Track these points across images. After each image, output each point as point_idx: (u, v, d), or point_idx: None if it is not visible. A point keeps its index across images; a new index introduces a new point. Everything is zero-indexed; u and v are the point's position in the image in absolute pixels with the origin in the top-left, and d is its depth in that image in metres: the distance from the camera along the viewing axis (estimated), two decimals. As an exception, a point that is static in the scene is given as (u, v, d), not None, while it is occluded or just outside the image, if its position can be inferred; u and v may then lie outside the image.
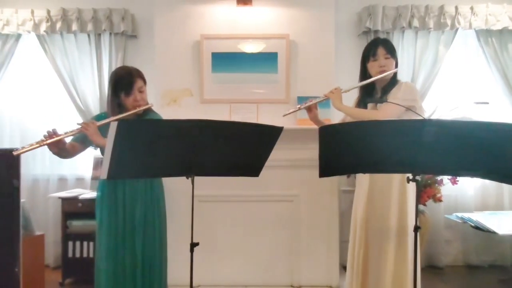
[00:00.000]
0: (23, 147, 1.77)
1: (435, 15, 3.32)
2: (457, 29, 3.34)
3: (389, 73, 1.99)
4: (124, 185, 1.98)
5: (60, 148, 1.90)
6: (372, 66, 2.02)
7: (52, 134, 1.82)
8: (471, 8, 3.30)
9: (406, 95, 1.92)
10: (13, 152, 1.76)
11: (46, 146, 1.83)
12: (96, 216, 2.04)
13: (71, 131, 1.88)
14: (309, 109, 2.09)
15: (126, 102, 1.98)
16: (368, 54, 2.04)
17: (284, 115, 2.11)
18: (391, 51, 2.01)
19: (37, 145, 1.76)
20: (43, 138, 1.81)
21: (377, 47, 2.01)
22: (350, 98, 2.21)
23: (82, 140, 2.01)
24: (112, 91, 2.00)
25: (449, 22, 3.30)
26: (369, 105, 2.05)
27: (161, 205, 2.09)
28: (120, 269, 1.96)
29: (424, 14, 3.32)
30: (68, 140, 1.98)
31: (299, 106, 2.11)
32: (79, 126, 1.90)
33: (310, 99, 2.11)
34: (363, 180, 2.01)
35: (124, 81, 1.97)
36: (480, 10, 3.31)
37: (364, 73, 2.08)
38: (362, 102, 2.09)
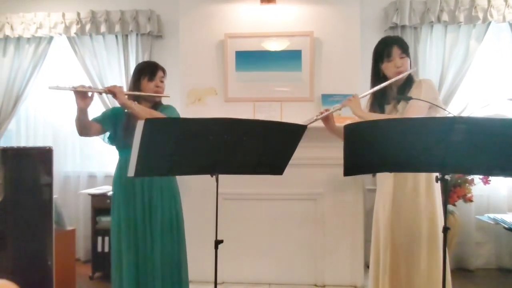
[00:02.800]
0: (57, 85, 1.91)
1: (466, 8, 3.21)
2: (489, 23, 3.21)
3: (407, 73, 1.90)
4: (142, 182, 2.03)
5: (87, 104, 1.94)
6: (387, 67, 1.93)
7: (82, 86, 1.94)
8: (505, 0, 3.16)
9: (428, 94, 1.83)
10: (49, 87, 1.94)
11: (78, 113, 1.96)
12: (111, 213, 2.09)
13: (100, 88, 2.01)
14: (326, 118, 1.99)
15: (148, 87, 2.08)
16: (381, 55, 1.94)
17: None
18: (406, 50, 1.92)
19: (68, 88, 1.91)
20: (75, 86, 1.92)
21: (392, 47, 1.90)
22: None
23: (101, 121, 2.08)
24: (134, 78, 2.11)
25: (481, 15, 3.18)
26: (386, 107, 1.98)
27: (177, 200, 2.14)
28: (141, 264, 2.01)
29: (454, 8, 3.21)
30: (92, 116, 2.06)
31: (316, 116, 1.98)
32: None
33: (326, 108, 2.02)
34: (385, 181, 1.95)
35: (148, 68, 2.12)
36: (515, 2, 3.17)
37: (377, 74, 1.98)
38: (376, 104, 1.99)
